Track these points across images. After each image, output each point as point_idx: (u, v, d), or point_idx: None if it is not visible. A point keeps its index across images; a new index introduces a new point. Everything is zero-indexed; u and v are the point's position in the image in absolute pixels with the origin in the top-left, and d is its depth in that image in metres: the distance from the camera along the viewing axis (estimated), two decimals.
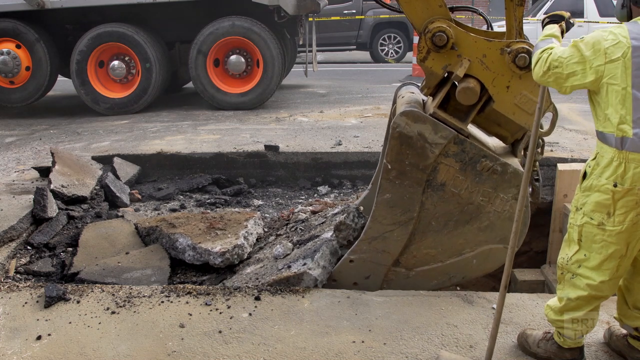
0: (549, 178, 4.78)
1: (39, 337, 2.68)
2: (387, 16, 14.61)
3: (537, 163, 3.18)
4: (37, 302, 2.99)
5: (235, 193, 5.34)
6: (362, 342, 2.64)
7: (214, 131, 6.62)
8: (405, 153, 2.95)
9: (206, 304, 2.96)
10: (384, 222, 3.09)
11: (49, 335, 2.71)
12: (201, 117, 7.57)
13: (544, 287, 4.38)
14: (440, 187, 3.00)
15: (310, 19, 8.97)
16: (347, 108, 8.10)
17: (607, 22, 11.52)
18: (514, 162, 3.04)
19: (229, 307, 2.93)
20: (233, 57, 7.94)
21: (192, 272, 3.69)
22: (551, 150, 5.26)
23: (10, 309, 2.95)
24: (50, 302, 2.95)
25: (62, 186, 4.46)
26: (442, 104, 3.00)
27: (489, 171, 2.94)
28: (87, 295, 3.05)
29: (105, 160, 5.51)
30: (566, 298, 2.35)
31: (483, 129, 3.24)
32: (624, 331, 2.53)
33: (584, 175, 2.27)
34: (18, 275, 3.53)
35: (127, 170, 5.44)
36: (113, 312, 2.89)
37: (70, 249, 3.89)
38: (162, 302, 2.99)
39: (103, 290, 3.10)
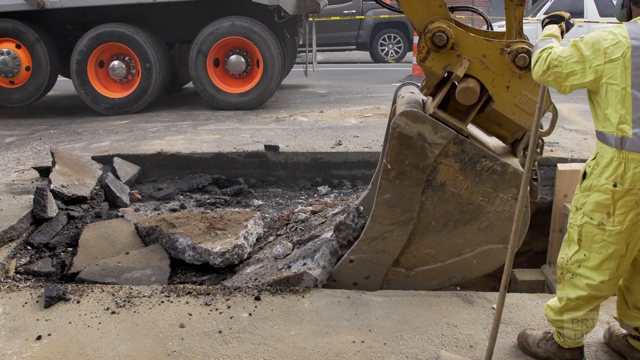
0: (549, 178, 4.78)
1: (39, 337, 2.68)
2: (387, 16, 14.61)
3: (536, 163, 3.18)
4: (37, 302, 2.99)
5: (235, 193, 5.34)
6: (362, 342, 2.64)
7: (214, 131, 6.62)
8: (405, 153, 2.95)
9: (206, 304, 2.96)
10: (383, 222, 3.09)
11: (49, 335, 2.71)
12: (201, 117, 7.57)
13: (544, 287, 4.38)
14: (440, 187, 3.00)
15: (310, 19, 8.97)
16: (347, 108, 8.10)
17: (607, 22, 11.52)
18: (514, 162, 3.04)
19: (229, 307, 2.93)
20: (233, 57, 7.94)
21: (192, 272, 3.69)
22: (551, 150, 5.26)
23: (10, 309, 2.95)
24: (50, 302, 2.95)
25: (62, 186, 4.46)
26: (442, 104, 3.00)
27: (488, 171, 2.94)
28: (87, 295, 3.05)
29: (105, 160, 5.51)
30: (566, 298, 2.35)
31: (483, 129, 3.24)
32: (624, 331, 2.53)
33: (584, 175, 2.27)
34: (18, 275, 3.53)
35: (127, 170, 5.44)
36: (113, 312, 2.89)
37: (70, 249, 3.89)
38: (162, 302, 2.99)
39: (103, 290, 3.10)
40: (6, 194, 4.47)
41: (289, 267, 3.22)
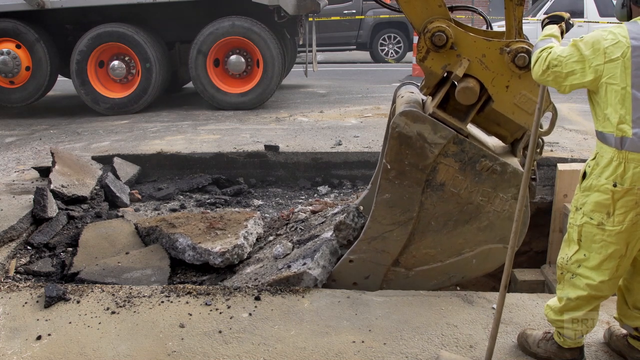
0: (549, 178, 4.78)
1: (39, 337, 2.68)
2: (387, 16, 14.61)
3: (535, 163, 3.18)
4: (37, 302, 2.99)
5: (235, 193, 5.34)
6: (362, 342, 2.64)
7: (214, 131, 6.62)
8: (404, 153, 2.95)
9: (206, 304, 2.96)
10: (383, 222, 3.09)
11: (49, 335, 2.71)
12: (201, 117, 7.57)
13: (544, 287, 4.38)
14: (439, 187, 3.00)
15: (310, 19, 8.97)
16: (347, 108, 8.10)
17: (607, 22, 11.52)
18: (514, 161, 3.04)
19: (229, 307, 2.93)
20: (233, 57, 7.94)
21: (192, 272, 3.69)
22: (551, 150, 5.26)
23: (10, 309, 2.95)
24: (50, 302, 2.95)
25: (62, 186, 4.47)
26: (442, 103, 2.99)
27: (488, 171, 2.94)
28: (87, 295, 3.05)
29: (105, 160, 5.51)
30: (566, 298, 2.35)
31: (482, 128, 3.24)
32: (624, 331, 2.53)
33: (584, 175, 2.27)
34: (18, 275, 3.53)
35: (127, 170, 5.45)
36: (113, 312, 2.89)
37: (70, 249, 3.89)
38: (162, 302, 2.99)
39: (103, 290, 3.10)
40: (6, 194, 4.47)
41: (289, 266, 3.22)
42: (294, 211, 4.50)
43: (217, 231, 3.83)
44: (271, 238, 4.04)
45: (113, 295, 3.06)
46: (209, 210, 4.78)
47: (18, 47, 7.90)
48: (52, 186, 4.37)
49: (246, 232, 3.85)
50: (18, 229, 3.86)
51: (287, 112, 7.88)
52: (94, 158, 5.53)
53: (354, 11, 14.95)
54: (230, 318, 2.84)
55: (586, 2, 13.00)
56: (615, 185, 2.13)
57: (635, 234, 2.19)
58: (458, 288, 3.85)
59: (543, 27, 2.54)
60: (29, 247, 3.86)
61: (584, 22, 12.43)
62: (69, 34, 8.22)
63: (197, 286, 3.23)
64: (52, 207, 4.18)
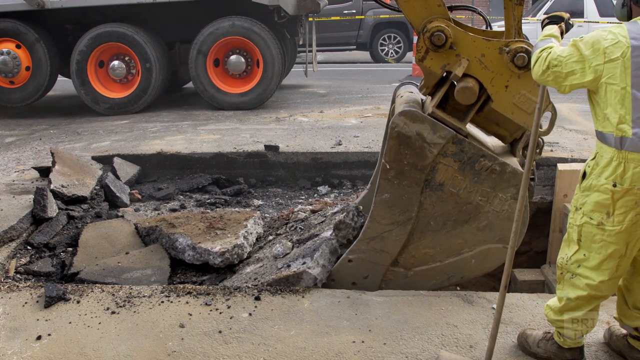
0: (549, 178, 4.78)
1: (39, 337, 2.68)
2: (387, 16, 14.62)
3: (534, 162, 3.18)
4: (37, 302, 3.00)
5: (235, 193, 5.34)
6: (362, 342, 2.64)
7: (214, 131, 6.62)
8: (403, 153, 2.95)
9: (206, 304, 2.96)
10: (382, 222, 3.09)
11: (49, 335, 2.71)
12: (201, 117, 7.57)
13: (544, 287, 4.38)
14: (438, 186, 3.00)
15: (310, 19, 8.97)
16: (347, 108, 8.10)
17: (607, 22, 11.52)
18: (513, 161, 3.04)
19: (229, 307, 2.93)
20: (233, 57, 7.94)
21: (192, 272, 3.69)
22: (551, 150, 5.26)
23: (10, 309, 2.95)
24: (50, 302, 2.95)
25: (62, 186, 4.47)
26: (441, 103, 2.99)
27: (487, 171, 2.94)
28: (87, 295, 3.05)
29: (105, 160, 5.51)
30: (566, 298, 2.35)
31: (482, 128, 3.24)
32: (624, 331, 2.53)
33: (584, 175, 2.27)
34: (18, 275, 3.53)
35: (127, 170, 5.45)
36: (113, 312, 2.90)
37: (70, 249, 3.90)
38: (162, 302, 2.99)
39: (103, 290, 3.10)
40: (6, 194, 4.47)
41: (289, 266, 3.22)
42: (293, 211, 4.50)
43: (217, 231, 3.83)
44: (271, 238, 4.04)
45: (113, 295, 3.06)
46: (208, 210, 4.78)
47: (18, 47, 7.91)
48: (52, 186, 4.37)
49: (246, 231, 3.85)
50: (18, 229, 3.87)
51: (287, 112, 7.88)
52: (94, 158, 5.53)
53: (354, 11, 14.95)
54: (230, 318, 2.84)
55: (586, 2, 13.00)
56: (615, 185, 2.13)
57: (635, 233, 2.19)
58: (458, 288, 3.86)
59: (543, 27, 2.54)
60: (29, 247, 3.86)
61: (584, 22, 12.43)
62: (69, 34, 8.23)
63: (197, 286, 3.23)
64: (52, 207, 4.18)
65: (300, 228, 3.99)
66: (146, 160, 5.67)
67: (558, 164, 4.45)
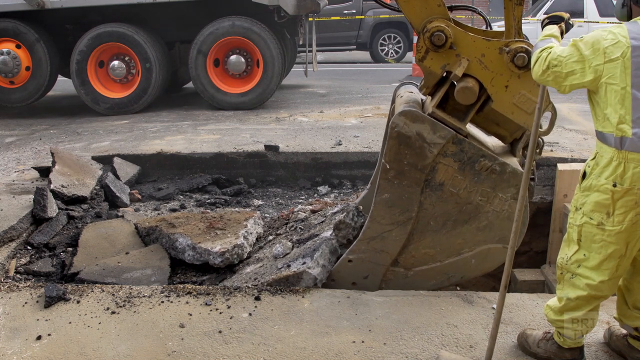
0: (549, 178, 4.78)
1: (39, 337, 2.68)
2: (387, 16, 14.62)
3: (534, 163, 3.18)
4: (37, 302, 3.00)
5: (235, 193, 5.34)
6: (362, 342, 2.64)
7: (214, 131, 6.62)
8: (403, 153, 2.95)
9: (206, 304, 2.96)
10: (382, 222, 3.09)
11: (49, 335, 2.71)
12: (201, 117, 7.57)
13: (544, 287, 4.38)
14: (438, 186, 3.00)
15: (310, 19, 8.98)
16: (347, 108, 8.10)
17: (607, 22, 11.52)
18: (513, 161, 3.04)
19: (229, 307, 2.94)
20: (233, 57, 7.94)
21: (192, 272, 3.69)
22: (551, 150, 5.26)
23: (10, 309, 2.95)
24: (50, 302, 2.95)
25: (62, 186, 4.47)
26: (441, 103, 2.99)
27: (487, 171, 2.94)
28: (87, 295, 3.05)
29: (105, 160, 5.51)
30: (566, 298, 2.35)
31: (482, 128, 3.24)
32: (624, 331, 2.53)
33: (584, 175, 2.27)
34: (18, 275, 3.53)
35: (127, 170, 5.45)
36: (113, 312, 2.90)
37: (70, 249, 3.90)
38: (162, 302, 2.99)
39: (103, 290, 3.10)
40: (6, 194, 4.47)
41: (289, 266, 3.22)
42: (293, 211, 4.50)
43: (217, 231, 3.83)
44: (271, 238, 4.04)
45: (113, 295, 3.06)
46: (208, 210, 4.78)
47: (18, 47, 7.91)
48: (52, 186, 4.37)
49: (246, 231, 3.85)
50: (18, 229, 3.87)
51: (287, 112, 7.88)
52: (94, 158, 5.53)
53: (354, 11, 14.95)
54: (230, 318, 2.84)
55: (586, 2, 13.00)
56: (615, 185, 2.13)
57: (635, 233, 2.19)
58: (458, 288, 3.86)
59: (543, 27, 2.54)
60: (29, 247, 3.86)
61: (584, 22, 12.43)
62: (69, 34, 8.22)
63: (197, 286, 3.23)
64: (52, 207, 4.18)
65: (300, 228, 3.99)
66: (146, 160, 5.67)
67: (558, 164, 4.45)
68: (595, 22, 12.36)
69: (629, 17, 2.23)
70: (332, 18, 14.56)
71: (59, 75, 8.60)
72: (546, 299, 2.85)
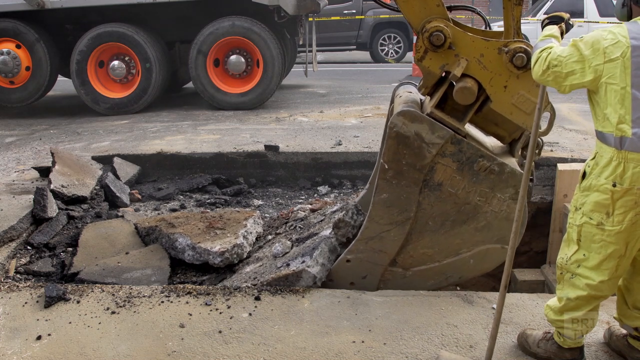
0: (549, 178, 4.78)
1: (39, 337, 2.68)
2: (387, 16, 14.62)
3: (533, 163, 3.17)
4: (37, 302, 3.00)
5: (235, 193, 5.34)
6: (362, 342, 2.64)
7: (214, 131, 6.63)
8: (402, 153, 2.95)
9: (206, 304, 2.96)
10: (380, 222, 3.09)
11: (49, 335, 2.71)
12: (201, 117, 7.57)
13: (544, 287, 4.38)
14: (437, 187, 3.00)
15: (310, 19, 8.98)
16: (347, 108, 8.10)
17: (607, 22, 11.52)
18: (512, 162, 3.04)
19: (229, 307, 2.94)
20: (233, 57, 7.95)
21: (192, 272, 3.69)
22: (551, 150, 5.26)
23: (10, 309, 2.95)
24: (50, 302, 2.95)
25: (62, 186, 4.47)
26: (440, 103, 2.99)
27: (486, 171, 2.94)
28: (87, 295, 3.05)
29: (105, 160, 5.52)
30: (566, 298, 2.35)
31: (481, 128, 3.24)
32: (624, 331, 2.53)
33: (583, 175, 2.27)
34: (18, 275, 3.53)
35: (127, 170, 5.45)
36: (113, 312, 2.90)
37: (70, 249, 3.90)
38: (162, 302, 2.99)
39: (103, 290, 3.11)
40: (6, 194, 4.48)
41: (288, 265, 3.23)
42: (293, 210, 4.50)
43: (217, 231, 3.84)
44: (270, 237, 4.04)
45: (113, 295, 3.06)
46: (208, 210, 4.78)
47: (18, 47, 7.91)
48: (52, 186, 4.37)
49: (245, 231, 3.85)
50: (18, 229, 3.87)
51: (287, 112, 7.88)
52: (94, 158, 5.53)
53: (354, 11, 14.95)
54: (230, 318, 2.84)
55: (586, 2, 13.00)
56: (614, 185, 2.14)
57: (635, 233, 2.19)
58: (458, 288, 3.86)
59: (543, 27, 2.54)
60: (29, 247, 3.86)
61: (584, 22, 12.43)
62: (69, 34, 8.23)
63: (197, 286, 3.23)
64: (52, 207, 4.18)
65: (299, 227, 4.00)
66: (146, 160, 5.67)
67: (558, 164, 4.45)
68: (595, 22, 12.36)
69: (629, 17, 2.23)
70: (332, 18, 14.56)
71: (59, 75, 8.61)
72: (546, 299, 2.85)
